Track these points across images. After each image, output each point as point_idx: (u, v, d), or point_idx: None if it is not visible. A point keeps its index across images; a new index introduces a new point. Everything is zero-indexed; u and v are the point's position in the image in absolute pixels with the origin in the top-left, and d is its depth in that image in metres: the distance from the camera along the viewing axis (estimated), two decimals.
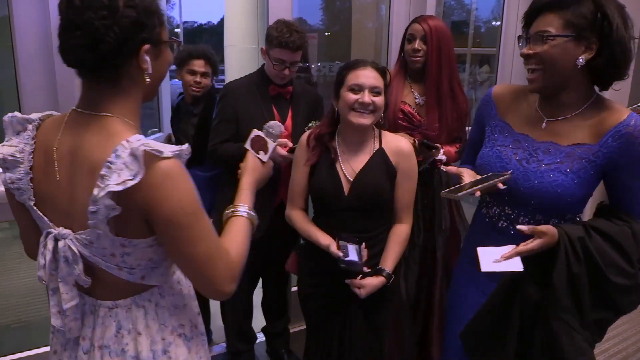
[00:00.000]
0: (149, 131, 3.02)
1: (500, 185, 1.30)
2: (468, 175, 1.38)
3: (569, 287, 1.22)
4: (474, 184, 1.31)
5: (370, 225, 1.71)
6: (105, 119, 0.90)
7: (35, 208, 0.95)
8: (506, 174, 1.32)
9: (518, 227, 1.27)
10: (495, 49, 3.32)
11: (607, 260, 1.23)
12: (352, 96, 1.60)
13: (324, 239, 1.67)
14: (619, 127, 1.24)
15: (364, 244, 1.62)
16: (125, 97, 0.92)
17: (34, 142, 0.95)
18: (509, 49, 3.05)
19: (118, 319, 0.99)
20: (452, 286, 1.69)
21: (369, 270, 1.64)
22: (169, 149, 0.86)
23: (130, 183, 0.82)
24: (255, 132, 1.30)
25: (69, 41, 0.86)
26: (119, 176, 0.82)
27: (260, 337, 2.58)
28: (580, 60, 1.21)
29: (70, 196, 0.90)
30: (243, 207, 1.11)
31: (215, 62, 2.39)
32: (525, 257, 1.26)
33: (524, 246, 1.24)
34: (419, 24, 2.06)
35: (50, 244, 0.93)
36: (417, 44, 2.05)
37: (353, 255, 1.58)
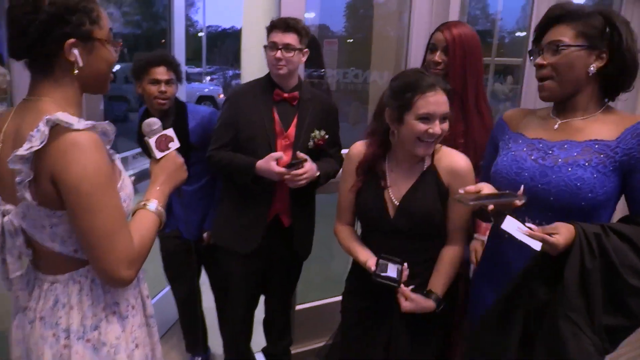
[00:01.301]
0: None
1: (517, 202, 1.26)
2: (487, 189, 1.32)
3: (581, 284, 1.18)
4: (489, 197, 1.29)
5: (419, 250, 1.56)
6: (41, 102, 1.02)
7: None
8: (521, 197, 1.26)
9: (528, 224, 1.21)
10: (520, 59, 3.17)
11: (624, 260, 1.18)
12: (422, 126, 1.42)
13: (363, 255, 1.55)
14: (638, 125, 1.25)
15: (405, 264, 1.48)
16: (59, 85, 1.04)
17: None
18: None
19: (56, 293, 1.08)
20: (472, 301, 1.62)
21: (405, 288, 1.49)
22: (82, 124, 0.96)
23: (35, 148, 0.93)
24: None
25: (7, 34, 1.02)
26: (30, 144, 0.93)
27: (260, 358, 2.44)
28: (592, 68, 1.26)
29: (12, 173, 0.98)
30: (153, 202, 1.14)
31: (178, 67, 2.16)
32: (541, 258, 1.23)
33: (549, 237, 1.18)
34: (441, 33, 1.85)
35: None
36: (438, 56, 1.84)
37: (392, 273, 1.46)
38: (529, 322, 1.26)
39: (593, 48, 1.26)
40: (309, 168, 1.84)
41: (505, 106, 3.89)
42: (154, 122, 1.23)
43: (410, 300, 1.49)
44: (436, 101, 1.41)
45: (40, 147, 0.93)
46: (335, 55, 4.18)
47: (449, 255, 1.58)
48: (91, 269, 1.08)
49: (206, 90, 13.98)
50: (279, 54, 1.85)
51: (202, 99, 13.01)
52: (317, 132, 1.94)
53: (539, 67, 1.31)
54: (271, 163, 1.81)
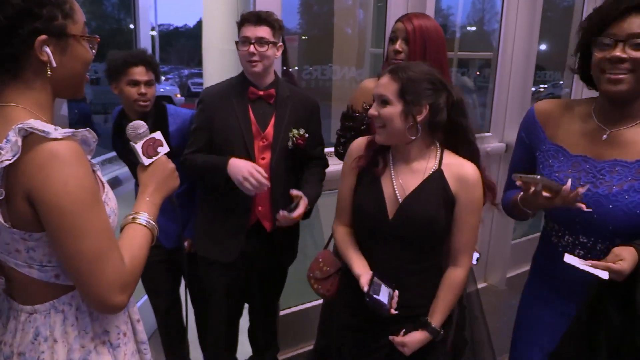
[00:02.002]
0: None
1: (583, 207, 1.18)
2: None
3: None
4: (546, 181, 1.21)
5: (416, 257, 1.46)
6: (8, 108, 0.90)
7: None
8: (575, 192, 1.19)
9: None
10: (491, 53, 3.21)
11: None
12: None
13: (358, 267, 1.45)
14: None
15: (397, 291, 1.41)
16: (28, 88, 0.92)
17: None
18: (507, 53, 2.92)
19: (36, 324, 0.96)
20: (522, 307, 1.55)
21: (396, 313, 1.39)
22: (60, 131, 0.85)
23: (6, 162, 0.82)
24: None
25: None
26: (0, 157, 0.82)
27: None
28: None
29: None
30: (143, 215, 1.04)
31: (157, 67, 2.03)
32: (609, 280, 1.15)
33: (614, 265, 1.12)
34: (402, 23, 1.83)
35: None
36: (399, 45, 1.82)
37: (383, 297, 1.37)
38: (612, 348, 1.19)
39: None
40: (304, 207, 1.80)
41: (473, 98, 3.96)
42: (139, 125, 1.12)
43: (407, 345, 1.44)
44: (379, 84, 1.42)
45: (12, 160, 0.82)
46: (295, 52, 4.14)
47: (453, 279, 1.48)
48: (75, 295, 0.97)
49: (162, 90, 13.66)
50: (252, 48, 1.77)
51: (159, 99, 12.73)
52: (295, 130, 1.86)
53: (618, 60, 1.16)
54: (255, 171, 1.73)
